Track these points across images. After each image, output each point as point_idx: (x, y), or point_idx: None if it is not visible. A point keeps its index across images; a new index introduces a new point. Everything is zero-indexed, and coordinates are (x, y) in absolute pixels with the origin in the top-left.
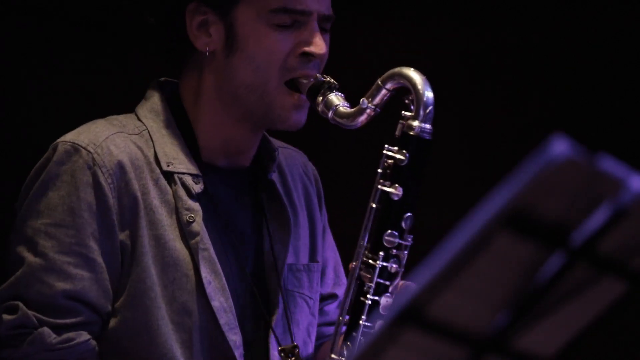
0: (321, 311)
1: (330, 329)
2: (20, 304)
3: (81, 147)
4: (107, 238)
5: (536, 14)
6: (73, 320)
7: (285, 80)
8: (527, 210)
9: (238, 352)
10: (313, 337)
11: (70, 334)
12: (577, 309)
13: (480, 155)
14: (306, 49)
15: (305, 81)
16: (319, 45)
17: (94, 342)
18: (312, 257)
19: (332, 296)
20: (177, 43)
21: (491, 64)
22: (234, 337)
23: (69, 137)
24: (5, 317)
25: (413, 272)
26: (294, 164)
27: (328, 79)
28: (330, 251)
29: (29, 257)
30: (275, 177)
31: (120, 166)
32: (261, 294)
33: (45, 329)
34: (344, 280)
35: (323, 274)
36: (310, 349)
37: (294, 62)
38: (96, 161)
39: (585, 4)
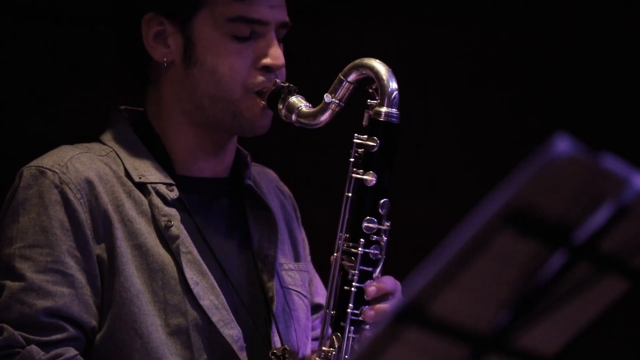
0: None
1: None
2: (5, 325)
3: (46, 168)
4: (83, 253)
5: (538, 12)
6: (59, 336)
7: (247, 93)
8: (529, 209)
9: (237, 346)
10: (310, 338)
11: (59, 350)
12: (579, 307)
13: (482, 153)
14: (265, 62)
15: (265, 90)
16: (277, 58)
17: (81, 358)
18: (298, 260)
19: (318, 307)
20: (134, 54)
21: (493, 63)
22: (231, 332)
23: (34, 162)
24: None
25: (415, 272)
26: (267, 179)
27: (287, 84)
28: (310, 266)
29: (8, 282)
30: (250, 184)
31: (88, 181)
32: (257, 290)
33: (33, 347)
34: (323, 291)
35: (310, 284)
36: (308, 350)
37: (255, 77)
38: (63, 179)
39: (587, 2)
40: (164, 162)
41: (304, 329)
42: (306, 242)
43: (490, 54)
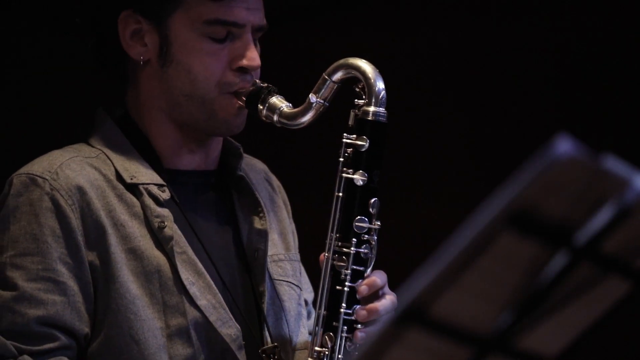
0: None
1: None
2: None
3: (37, 176)
4: (75, 260)
5: (536, 12)
6: (51, 345)
7: (223, 93)
8: (530, 210)
9: (235, 345)
10: (304, 328)
11: None
12: (581, 308)
13: (483, 154)
14: (241, 63)
15: (242, 90)
16: (253, 59)
17: None
18: (288, 250)
19: (305, 303)
20: (111, 52)
21: (493, 63)
22: (229, 331)
23: (23, 169)
24: None
25: (416, 273)
26: (255, 171)
27: (266, 84)
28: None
29: (0, 292)
30: (243, 175)
31: (79, 188)
32: (248, 285)
33: (26, 357)
34: (310, 288)
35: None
36: (305, 336)
37: (230, 77)
38: (54, 186)
39: (589, 2)
40: (152, 159)
41: (295, 319)
42: (296, 235)
43: (491, 54)
